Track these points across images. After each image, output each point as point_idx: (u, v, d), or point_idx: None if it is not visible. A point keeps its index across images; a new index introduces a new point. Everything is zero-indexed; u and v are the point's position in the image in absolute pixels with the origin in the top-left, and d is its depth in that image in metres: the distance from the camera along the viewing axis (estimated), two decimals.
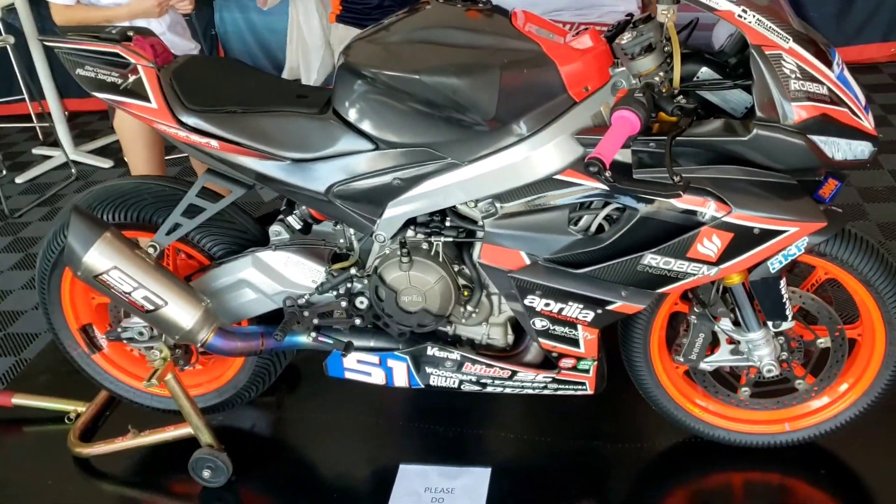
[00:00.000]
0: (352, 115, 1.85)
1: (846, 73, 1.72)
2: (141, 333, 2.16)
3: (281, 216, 2.12)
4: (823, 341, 2.02)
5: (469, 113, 1.75)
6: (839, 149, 1.66)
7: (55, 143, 5.04)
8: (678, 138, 1.67)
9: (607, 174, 1.51)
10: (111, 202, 2.12)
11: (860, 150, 1.69)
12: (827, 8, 4.87)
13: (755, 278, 1.87)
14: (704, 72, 1.80)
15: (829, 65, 1.67)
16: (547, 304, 1.87)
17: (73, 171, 4.78)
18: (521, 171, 1.78)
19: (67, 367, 2.79)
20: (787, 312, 1.92)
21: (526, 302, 1.88)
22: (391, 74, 1.78)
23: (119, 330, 2.18)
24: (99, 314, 2.39)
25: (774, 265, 1.84)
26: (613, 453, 2.27)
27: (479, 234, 1.91)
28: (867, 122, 1.70)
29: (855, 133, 1.67)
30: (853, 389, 2.08)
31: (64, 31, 2.02)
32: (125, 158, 2.97)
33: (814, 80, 1.63)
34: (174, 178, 2.23)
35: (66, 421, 2.54)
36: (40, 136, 5.38)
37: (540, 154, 1.76)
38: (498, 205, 1.84)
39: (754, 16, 1.61)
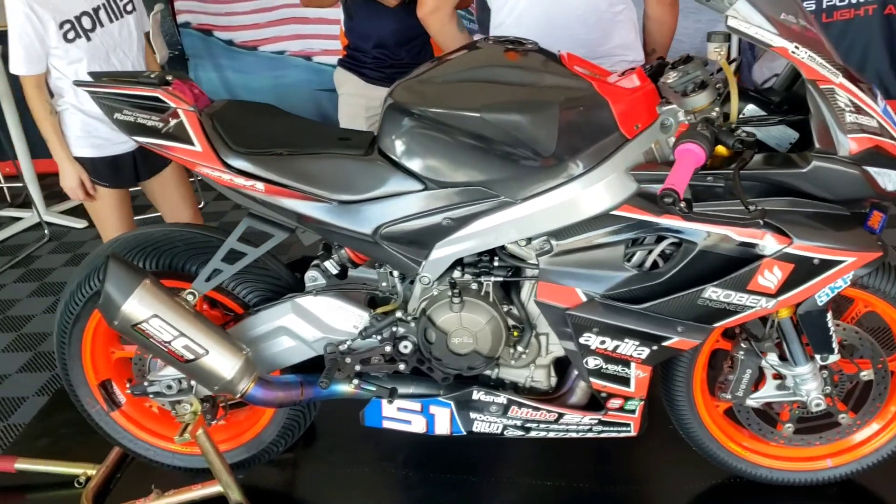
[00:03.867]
0: (401, 156, 1.84)
1: (888, 107, 1.78)
2: (169, 387, 2.07)
3: (317, 261, 2.08)
4: (866, 374, 2.04)
5: (528, 150, 1.76)
6: (890, 179, 1.71)
7: (24, 205, 4.91)
8: (720, 171, 1.71)
9: (682, 205, 1.52)
10: (141, 250, 2.06)
11: None
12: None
13: (803, 311, 1.89)
14: (750, 108, 1.84)
15: (874, 99, 1.73)
16: (602, 342, 1.86)
17: (45, 231, 4.65)
18: (578, 208, 1.78)
19: (68, 429, 2.69)
20: (834, 345, 1.94)
21: (581, 340, 1.86)
22: (448, 113, 1.78)
23: (146, 384, 2.09)
24: (117, 369, 2.30)
25: (822, 298, 1.86)
26: (624, 496, 2.28)
27: (529, 272, 1.90)
28: None
29: None
30: (894, 421, 2.09)
31: (97, 76, 1.97)
32: (98, 229, 2.89)
33: (864, 113, 1.69)
34: (204, 225, 2.18)
35: (76, 485, 2.41)
36: (8, 198, 5.23)
37: (595, 190, 1.77)
38: (553, 242, 1.83)
39: (806, 52, 1.66)
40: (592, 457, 2.40)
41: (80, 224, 4.75)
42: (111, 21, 2.60)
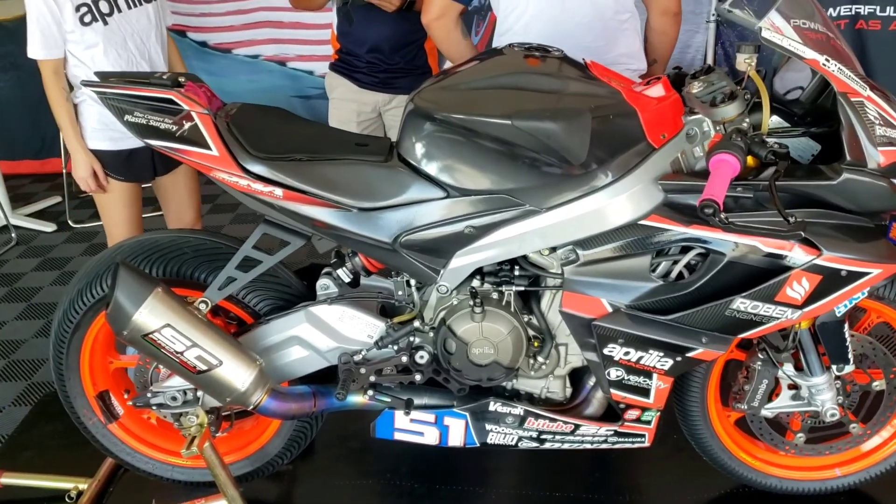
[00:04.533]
0: (424, 163, 1.80)
1: None
2: (174, 398, 2.00)
3: (329, 269, 2.03)
4: (878, 384, 2.06)
5: (558, 158, 1.73)
6: None
7: None
8: (750, 182, 1.71)
9: (722, 216, 1.51)
10: (147, 256, 1.98)
11: None
12: None
13: (821, 322, 1.90)
14: (774, 120, 1.84)
15: None
16: (626, 353, 1.84)
17: (13, 235, 4.50)
18: (605, 218, 1.77)
19: (56, 441, 2.60)
20: (850, 356, 1.95)
21: (605, 351, 1.84)
22: (475, 119, 1.75)
23: (149, 395, 2.01)
24: (115, 380, 2.22)
25: (840, 309, 1.87)
26: None
27: (551, 282, 1.88)
28: None
29: None
30: None
31: (104, 77, 1.90)
32: (104, 225, 2.81)
33: (893, 126, 1.70)
34: (211, 231, 2.11)
35: (66, 499, 2.31)
36: None
37: (624, 199, 1.76)
38: (579, 251, 1.81)
39: (836, 65, 1.67)
40: (599, 467, 2.39)
41: (48, 227, 4.60)
42: (129, 7, 2.55)
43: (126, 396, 2.23)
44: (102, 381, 2.18)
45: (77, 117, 2.55)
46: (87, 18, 2.47)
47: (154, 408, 2.03)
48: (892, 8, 4.71)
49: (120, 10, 2.54)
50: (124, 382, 2.25)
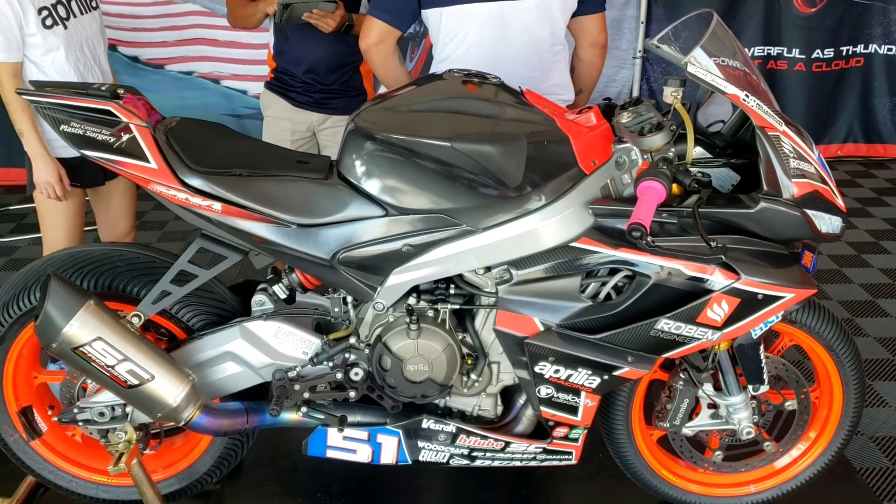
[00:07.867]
0: (363, 181, 1.84)
1: (821, 155, 1.92)
2: (102, 414, 1.97)
3: (264, 285, 2.04)
4: (791, 404, 2.16)
5: (494, 180, 1.79)
6: (824, 222, 1.84)
7: None
8: (675, 208, 1.80)
9: (649, 239, 1.59)
10: (79, 269, 1.96)
11: (836, 224, 1.88)
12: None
13: (738, 344, 2.00)
14: (697, 150, 1.94)
15: (810, 147, 1.86)
16: (556, 371, 1.90)
17: None
18: (538, 239, 1.83)
19: None
20: (765, 376, 2.05)
21: (536, 369, 1.90)
22: (415, 140, 1.79)
23: (75, 411, 1.98)
24: (39, 395, 2.16)
25: (757, 331, 1.97)
26: None
27: (486, 300, 1.93)
28: (840, 200, 1.90)
29: (834, 209, 1.87)
30: (813, 448, 2.23)
31: (39, 85, 1.88)
32: (42, 233, 2.75)
33: (805, 159, 1.82)
34: (145, 245, 2.09)
35: None
36: None
37: (556, 222, 1.82)
38: (513, 271, 1.86)
39: (755, 101, 1.78)
40: (526, 486, 2.42)
41: None
42: (82, 13, 2.60)
43: (50, 412, 2.17)
44: (26, 397, 2.13)
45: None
46: (49, 21, 2.48)
47: (81, 424, 2.00)
48: (797, 51, 5.18)
49: (75, 16, 2.58)
50: (48, 398, 2.19)
